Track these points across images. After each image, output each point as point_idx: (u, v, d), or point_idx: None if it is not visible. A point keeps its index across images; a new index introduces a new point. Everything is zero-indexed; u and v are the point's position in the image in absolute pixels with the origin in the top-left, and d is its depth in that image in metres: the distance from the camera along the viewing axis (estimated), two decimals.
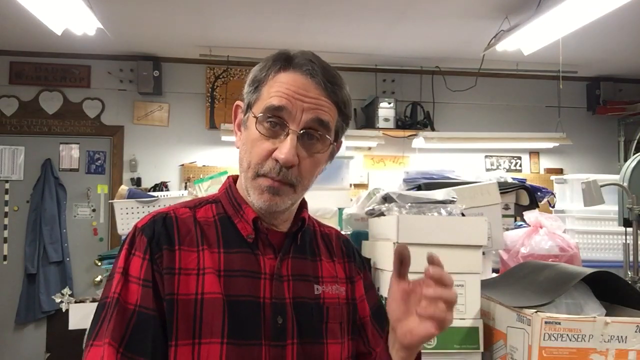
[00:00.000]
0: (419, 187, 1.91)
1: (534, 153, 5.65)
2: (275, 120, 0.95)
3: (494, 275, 1.74)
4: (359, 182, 5.20)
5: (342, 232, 1.77)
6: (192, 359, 0.91)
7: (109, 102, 5.14)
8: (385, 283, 1.39)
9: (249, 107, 1.00)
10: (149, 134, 5.16)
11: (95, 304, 0.98)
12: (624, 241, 2.40)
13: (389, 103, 5.14)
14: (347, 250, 1.14)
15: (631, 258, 2.35)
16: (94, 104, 5.13)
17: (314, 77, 0.97)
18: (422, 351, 1.29)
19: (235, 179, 1.09)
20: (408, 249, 0.89)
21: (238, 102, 1.06)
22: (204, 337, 0.91)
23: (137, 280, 0.93)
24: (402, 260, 0.90)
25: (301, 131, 0.95)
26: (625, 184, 2.29)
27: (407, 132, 5.19)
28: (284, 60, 0.99)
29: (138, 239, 0.96)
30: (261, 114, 0.96)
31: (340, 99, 1.00)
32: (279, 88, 0.96)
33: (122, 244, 0.98)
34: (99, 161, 5.13)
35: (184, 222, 1.00)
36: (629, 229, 2.32)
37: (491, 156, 5.60)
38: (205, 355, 0.91)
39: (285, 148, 0.94)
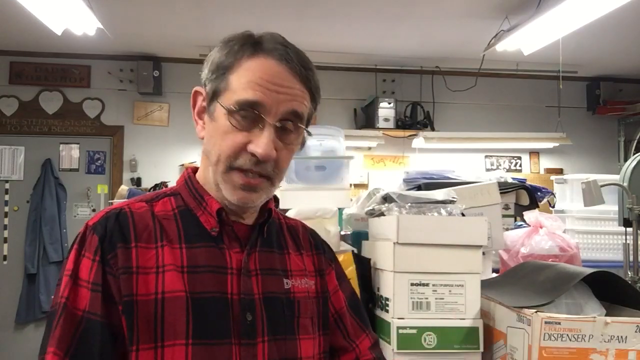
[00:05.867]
0: (419, 187, 1.91)
1: (534, 153, 5.66)
2: (249, 114, 0.89)
3: (494, 275, 1.74)
4: (359, 182, 5.20)
5: (342, 232, 1.78)
6: None
7: (109, 102, 5.14)
8: (385, 283, 1.39)
9: (215, 95, 0.92)
10: (149, 134, 5.16)
11: None
12: (624, 241, 2.40)
13: (389, 103, 5.14)
14: (316, 242, 1.10)
15: (631, 258, 2.35)
16: (94, 104, 5.13)
17: (288, 62, 0.90)
18: (423, 351, 1.29)
19: (194, 170, 1.03)
20: None
21: (197, 88, 0.98)
22: (167, 340, 0.85)
23: (86, 284, 0.86)
24: None
25: (277, 124, 0.90)
26: (625, 184, 2.29)
27: (407, 132, 5.19)
28: (253, 45, 0.91)
29: (89, 238, 0.89)
30: (233, 107, 0.89)
31: (314, 85, 0.94)
32: (252, 78, 0.89)
33: (73, 244, 0.91)
34: (99, 161, 5.14)
35: (140, 216, 0.93)
36: (629, 229, 2.32)
37: (491, 156, 5.61)
38: (170, 359, 0.85)
39: (263, 142, 0.88)
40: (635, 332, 1.18)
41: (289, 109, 0.90)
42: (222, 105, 0.91)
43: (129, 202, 0.95)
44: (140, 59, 5.02)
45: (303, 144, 0.99)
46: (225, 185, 0.92)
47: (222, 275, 0.91)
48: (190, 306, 0.87)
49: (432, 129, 5.29)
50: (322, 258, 1.08)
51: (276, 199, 1.07)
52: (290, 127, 0.92)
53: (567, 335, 1.16)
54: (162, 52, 5.04)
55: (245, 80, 0.89)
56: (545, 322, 1.15)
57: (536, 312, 1.17)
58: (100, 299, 0.85)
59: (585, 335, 1.16)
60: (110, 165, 5.13)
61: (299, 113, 0.92)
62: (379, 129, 5.09)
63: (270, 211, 1.00)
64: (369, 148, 5.31)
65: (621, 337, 1.17)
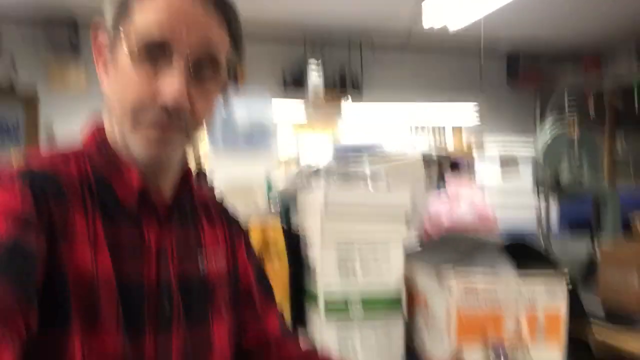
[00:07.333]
0: (346, 162, 1.94)
1: (457, 128, 5.87)
2: (155, 53, 0.74)
3: (418, 247, 1.81)
4: (287, 151, 5.19)
5: (272, 209, 1.78)
6: (82, 354, 0.70)
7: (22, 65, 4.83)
8: (314, 256, 1.42)
9: (116, 36, 0.76)
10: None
11: None
12: (539, 213, 2.55)
13: (318, 73, 5.17)
14: (224, 211, 0.98)
15: (545, 228, 2.50)
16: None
17: None
18: (350, 320, 1.34)
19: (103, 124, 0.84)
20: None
21: (98, 32, 0.80)
22: (98, 327, 0.72)
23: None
24: None
25: (190, 65, 0.74)
26: (540, 159, 2.41)
27: (336, 101, 5.25)
28: None
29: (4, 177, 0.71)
30: (135, 48, 0.74)
31: (234, 25, 0.79)
32: (156, 12, 0.73)
33: None
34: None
35: (66, 175, 0.76)
36: (543, 202, 2.46)
37: (417, 130, 5.77)
38: (101, 349, 0.72)
39: (172, 87, 0.73)
40: (546, 293, 1.31)
41: (203, 45, 0.75)
42: (123, 46, 0.75)
43: (41, 161, 0.77)
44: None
45: (226, 99, 0.86)
46: (134, 142, 0.77)
47: (140, 256, 0.78)
48: (117, 292, 0.74)
49: (361, 100, 5.38)
50: (232, 229, 0.97)
51: (202, 175, 1.02)
52: (208, 72, 0.77)
53: (484, 297, 1.27)
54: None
55: (149, 15, 0.74)
56: (464, 286, 1.25)
57: (455, 279, 1.25)
58: (33, 235, 0.67)
59: (499, 298, 1.28)
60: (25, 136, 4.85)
61: (215, 50, 0.77)
62: (307, 97, 5.12)
63: (189, 185, 0.88)
64: (298, 117, 5.33)
65: (532, 298, 1.31)
